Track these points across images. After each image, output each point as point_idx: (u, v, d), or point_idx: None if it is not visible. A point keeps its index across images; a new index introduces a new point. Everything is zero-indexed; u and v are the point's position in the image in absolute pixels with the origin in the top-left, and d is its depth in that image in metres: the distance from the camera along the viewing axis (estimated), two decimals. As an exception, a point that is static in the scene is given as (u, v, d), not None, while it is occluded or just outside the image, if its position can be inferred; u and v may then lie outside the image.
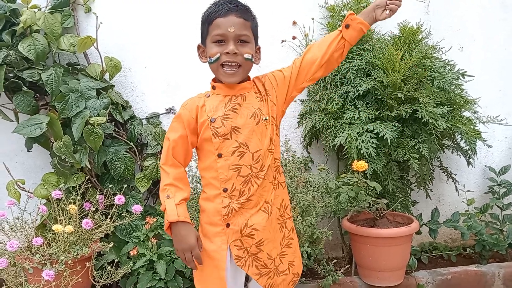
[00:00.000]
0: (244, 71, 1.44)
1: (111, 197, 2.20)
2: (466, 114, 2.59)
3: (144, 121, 2.53)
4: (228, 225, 1.43)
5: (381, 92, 2.40)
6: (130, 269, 2.07)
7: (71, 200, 2.08)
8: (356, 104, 2.43)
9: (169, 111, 2.59)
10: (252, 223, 1.43)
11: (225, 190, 1.42)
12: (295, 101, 2.75)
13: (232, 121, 1.42)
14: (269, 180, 1.47)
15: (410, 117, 2.38)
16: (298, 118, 2.73)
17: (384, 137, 2.25)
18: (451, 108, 2.43)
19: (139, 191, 2.34)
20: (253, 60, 1.45)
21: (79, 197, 2.11)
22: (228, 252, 1.44)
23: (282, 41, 2.71)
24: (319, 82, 2.66)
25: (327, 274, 2.33)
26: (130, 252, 2.13)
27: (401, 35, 2.54)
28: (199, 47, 1.51)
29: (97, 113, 2.23)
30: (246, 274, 1.51)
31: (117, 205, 2.14)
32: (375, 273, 2.33)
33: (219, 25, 1.39)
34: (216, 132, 1.42)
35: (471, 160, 2.68)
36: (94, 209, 2.16)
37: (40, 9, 2.33)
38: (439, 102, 2.40)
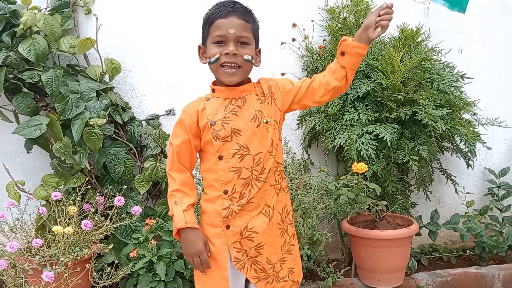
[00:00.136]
0: (244, 72, 1.43)
1: (110, 199, 2.20)
2: (466, 116, 2.59)
3: (144, 123, 2.53)
4: (228, 227, 1.43)
5: (380, 94, 2.40)
6: (130, 270, 2.07)
7: (71, 202, 2.08)
8: (356, 106, 2.44)
9: (169, 112, 2.59)
10: (252, 225, 1.43)
11: (225, 192, 1.42)
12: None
13: (232, 123, 1.42)
14: (270, 183, 1.47)
15: (409, 119, 2.38)
16: (297, 120, 2.73)
17: (384, 139, 2.25)
18: (451, 110, 2.43)
19: (139, 192, 2.34)
20: (253, 61, 1.45)
21: (78, 199, 2.10)
22: (228, 253, 1.44)
23: (282, 43, 2.72)
24: (319, 84, 2.66)
25: (327, 276, 2.33)
26: (130, 253, 2.13)
27: (400, 37, 2.55)
28: (199, 48, 1.51)
29: (97, 114, 2.23)
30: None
31: (116, 206, 2.14)
32: (375, 274, 2.33)
33: (220, 26, 1.39)
34: (217, 134, 1.42)
35: (470, 162, 2.68)
36: (93, 211, 2.16)
37: (40, 11, 2.33)
38: (438, 104, 2.40)
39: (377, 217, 2.44)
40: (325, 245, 2.37)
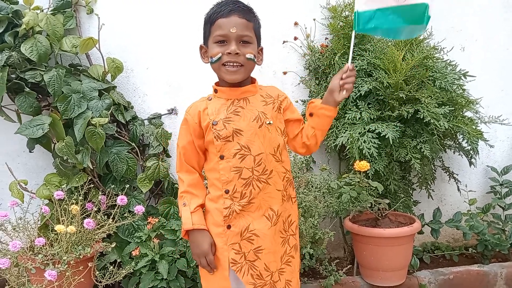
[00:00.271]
0: (246, 71, 1.43)
1: (113, 198, 2.20)
2: (468, 114, 2.59)
3: (146, 122, 2.53)
4: (229, 227, 1.43)
5: (382, 92, 2.40)
6: (132, 269, 2.08)
7: (73, 201, 2.08)
8: (358, 104, 2.43)
9: (171, 112, 2.59)
10: (253, 227, 1.43)
11: (226, 192, 1.43)
12: (297, 102, 2.76)
13: (234, 123, 1.43)
14: (276, 187, 1.46)
15: (411, 117, 2.38)
16: (299, 119, 2.73)
17: (386, 137, 2.25)
18: (453, 108, 2.43)
19: (141, 191, 2.35)
20: (256, 60, 1.45)
21: (81, 198, 2.11)
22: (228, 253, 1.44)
23: (284, 41, 2.72)
24: (321, 82, 2.66)
25: (329, 274, 2.33)
26: (132, 252, 2.14)
27: (402, 35, 2.54)
28: (201, 47, 1.51)
29: (99, 113, 2.23)
30: None
31: (119, 205, 2.14)
32: (377, 273, 2.33)
33: (221, 26, 1.39)
34: (218, 134, 1.42)
35: (473, 160, 2.68)
36: (96, 210, 2.16)
37: (42, 11, 2.34)
38: (440, 102, 2.40)
39: (379, 215, 2.44)
40: (327, 243, 2.37)
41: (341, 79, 1.43)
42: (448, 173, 2.80)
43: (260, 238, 1.43)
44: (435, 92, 2.39)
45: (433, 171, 2.70)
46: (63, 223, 2.03)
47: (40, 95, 2.29)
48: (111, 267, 2.08)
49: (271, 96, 1.51)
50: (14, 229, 2.06)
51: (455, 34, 2.95)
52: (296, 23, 2.73)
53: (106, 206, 2.21)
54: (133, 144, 2.38)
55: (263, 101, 1.48)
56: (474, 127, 2.46)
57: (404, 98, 2.35)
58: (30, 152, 2.32)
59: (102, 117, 2.22)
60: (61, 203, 2.10)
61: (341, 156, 2.70)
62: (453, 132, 2.49)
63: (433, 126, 2.33)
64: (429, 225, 2.72)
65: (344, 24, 2.61)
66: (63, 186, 2.19)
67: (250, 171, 1.42)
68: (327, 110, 1.47)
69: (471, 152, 2.60)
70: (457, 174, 2.82)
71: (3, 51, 2.15)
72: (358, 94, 2.40)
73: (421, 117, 2.31)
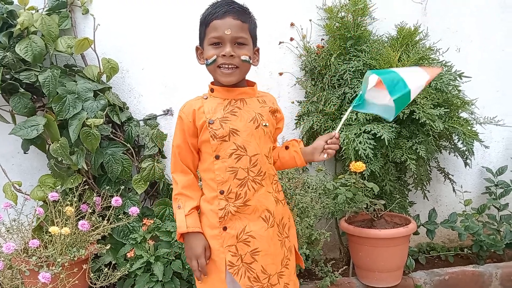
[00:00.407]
0: (241, 72, 1.43)
1: (108, 199, 2.19)
2: (463, 115, 2.59)
3: (141, 123, 2.53)
4: (225, 229, 1.42)
5: (378, 93, 2.40)
6: (127, 271, 2.07)
7: (68, 202, 2.07)
8: (354, 105, 2.43)
9: (167, 112, 2.58)
10: (249, 229, 1.42)
11: (221, 192, 1.41)
12: (293, 103, 2.75)
13: (231, 123, 1.42)
14: (267, 190, 1.46)
15: (407, 118, 2.38)
16: (296, 120, 2.73)
17: (382, 138, 2.25)
18: (448, 109, 2.43)
19: (136, 192, 2.34)
20: (251, 61, 1.44)
21: (76, 199, 2.10)
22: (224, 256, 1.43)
23: (280, 42, 2.72)
24: (317, 83, 2.66)
25: (325, 275, 2.33)
26: (127, 254, 2.13)
27: (398, 36, 2.55)
28: (197, 48, 1.50)
29: (94, 114, 2.22)
30: None
31: (114, 207, 2.13)
32: (372, 274, 2.33)
33: (216, 28, 1.38)
34: (215, 134, 1.41)
35: (468, 161, 2.68)
36: (91, 211, 2.15)
37: (37, 11, 2.33)
38: (436, 103, 2.40)
39: (375, 216, 2.44)
40: (323, 245, 2.37)
41: (327, 143, 1.47)
42: (443, 174, 2.80)
43: (257, 240, 1.42)
44: (431, 93, 2.39)
45: (429, 172, 2.71)
46: (57, 225, 2.02)
47: (34, 96, 2.28)
48: (106, 269, 2.07)
49: (267, 102, 1.52)
50: (8, 231, 2.05)
51: (451, 35, 2.96)
52: (292, 24, 2.73)
53: (101, 207, 2.21)
54: (128, 145, 2.37)
55: (259, 104, 1.49)
56: (469, 128, 2.47)
57: (400, 99, 2.35)
58: (24, 153, 2.30)
59: (97, 118, 2.21)
60: (56, 204, 2.09)
61: (337, 157, 2.70)
62: (448, 133, 2.50)
63: (429, 127, 2.34)
64: (425, 226, 2.73)
65: (340, 25, 2.60)
66: (57, 188, 2.18)
67: (245, 172, 1.42)
68: (298, 159, 1.54)
69: (466, 153, 2.61)
70: (452, 175, 2.83)
71: (-3, 52, 2.14)
72: (354, 95, 2.40)
73: (417, 118, 2.31)
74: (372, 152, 2.27)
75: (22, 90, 2.19)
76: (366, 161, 2.31)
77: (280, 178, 2.29)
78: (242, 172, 1.41)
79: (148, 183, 2.36)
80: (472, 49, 3.03)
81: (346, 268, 2.53)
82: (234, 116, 1.43)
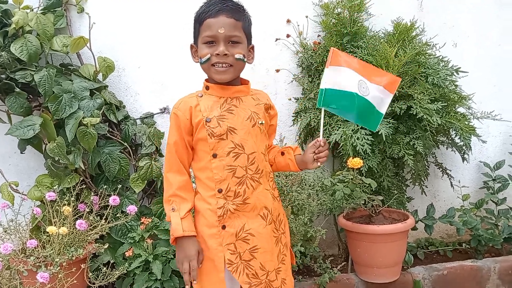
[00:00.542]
0: (235, 70, 1.43)
1: (105, 198, 2.19)
2: (461, 110, 2.60)
3: (138, 121, 2.52)
4: (224, 227, 1.41)
5: (375, 89, 2.40)
6: (126, 270, 2.06)
7: (65, 202, 2.07)
8: (351, 101, 2.43)
9: (163, 110, 2.58)
10: (248, 227, 1.42)
11: (220, 191, 1.41)
12: (290, 100, 2.75)
13: (228, 121, 1.42)
14: (265, 187, 1.46)
15: (404, 114, 2.38)
16: (293, 116, 2.73)
17: (379, 134, 2.25)
18: (446, 104, 2.43)
19: (134, 191, 2.33)
20: (245, 59, 1.44)
21: (73, 199, 2.09)
22: (223, 255, 1.42)
23: (277, 39, 2.71)
24: (314, 80, 2.66)
25: (324, 272, 2.33)
26: (126, 253, 2.12)
27: (395, 32, 2.55)
28: (191, 47, 1.50)
29: (90, 113, 2.22)
30: None
31: (111, 206, 2.12)
32: (371, 269, 2.33)
33: (209, 26, 1.38)
34: (212, 132, 1.41)
35: (466, 155, 2.69)
36: (88, 210, 2.15)
37: (32, 10, 2.31)
38: (433, 98, 2.40)
39: (373, 212, 2.44)
40: (322, 241, 2.37)
41: (315, 153, 1.47)
42: (441, 169, 2.80)
43: (256, 237, 1.43)
44: (428, 88, 2.39)
45: (426, 167, 2.71)
46: (55, 225, 2.02)
47: (30, 95, 2.27)
48: (104, 269, 2.06)
49: (261, 99, 1.52)
50: (5, 231, 2.04)
51: (447, 30, 2.96)
52: (288, 21, 2.72)
53: (99, 206, 2.20)
54: (125, 144, 2.36)
55: (254, 102, 1.49)
56: (466, 122, 2.47)
57: (397, 94, 2.35)
58: (21, 153, 2.29)
59: (93, 117, 2.20)
60: (53, 204, 2.08)
61: (335, 153, 2.70)
62: (446, 128, 2.50)
63: (426, 122, 2.34)
64: (423, 221, 2.73)
65: (336, 21, 2.60)
66: (55, 187, 2.17)
67: (243, 170, 1.42)
68: (293, 167, 1.55)
69: (464, 148, 2.61)
70: (450, 170, 2.83)
71: (-8, 51, 2.13)
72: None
73: (414, 113, 2.31)
74: (370, 148, 2.27)
75: (17, 89, 2.18)
76: (363, 157, 2.31)
77: (277, 175, 2.28)
78: (240, 170, 1.41)
79: (146, 181, 2.35)
80: (468, 44, 3.03)
81: (345, 264, 2.53)
82: (231, 114, 1.42)
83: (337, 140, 2.34)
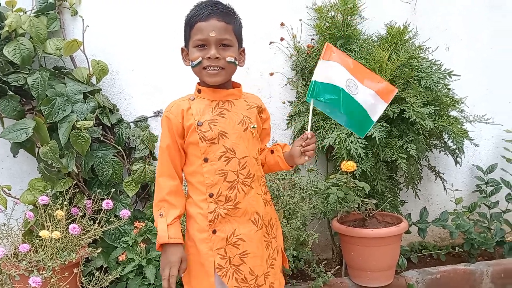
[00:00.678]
0: (227, 73, 1.43)
1: (99, 202, 2.18)
2: (453, 113, 2.61)
3: (132, 125, 2.51)
4: (214, 232, 1.41)
5: (368, 92, 2.41)
6: (119, 274, 2.05)
7: (58, 206, 2.06)
8: (344, 105, 2.44)
9: (157, 114, 2.57)
10: (239, 232, 1.42)
11: (211, 195, 1.41)
12: (284, 103, 2.75)
13: (220, 125, 1.41)
14: (257, 191, 1.46)
15: (397, 117, 2.39)
16: (287, 120, 2.73)
17: (373, 137, 2.26)
18: (438, 108, 2.45)
19: (128, 195, 2.32)
20: (237, 62, 1.44)
21: (66, 203, 2.08)
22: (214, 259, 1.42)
23: (270, 42, 2.71)
24: (307, 83, 2.66)
25: (318, 276, 2.33)
26: (119, 257, 2.12)
27: (388, 35, 2.56)
28: (182, 50, 1.50)
29: (84, 117, 2.21)
30: None
31: (105, 210, 2.12)
32: (365, 273, 2.34)
33: (200, 30, 1.38)
34: (204, 136, 1.40)
35: (458, 159, 2.70)
36: (81, 214, 2.14)
37: (25, 13, 2.30)
38: (426, 102, 2.42)
39: (367, 215, 2.45)
40: (316, 245, 2.37)
41: (302, 146, 1.46)
42: (434, 173, 2.82)
43: (246, 242, 1.42)
44: (421, 91, 2.41)
45: (420, 170, 2.72)
46: (47, 229, 2.01)
47: (23, 99, 2.26)
48: (97, 273, 2.05)
49: (254, 102, 1.52)
50: (-3, 235, 2.03)
51: (440, 33, 2.98)
52: (282, 24, 2.73)
53: (92, 210, 2.19)
54: (119, 147, 2.36)
55: (247, 105, 1.49)
56: (459, 126, 2.48)
57: (390, 98, 2.36)
58: (14, 156, 2.28)
59: (87, 120, 2.20)
60: (46, 208, 2.07)
61: (329, 157, 2.71)
62: (438, 131, 2.51)
63: (419, 125, 2.35)
64: (416, 224, 2.74)
65: (330, 24, 2.61)
66: (47, 191, 2.16)
67: (235, 174, 1.42)
68: (282, 164, 1.54)
69: (456, 151, 2.63)
70: (443, 174, 2.85)
71: (-15, 55, 2.12)
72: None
73: (407, 117, 2.32)
74: (364, 151, 2.27)
75: (10, 93, 2.17)
76: (357, 161, 2.32)
77: (269, 179, 2.28)
78: (231, 175, 1.41)
79: (139, 185, 2.34)
80: (461, 47, 3.05)
81: (339, 268, 2.53)
82: (223, 118, 1.42)
83: (331, 143, 2.34)
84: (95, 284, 2.04)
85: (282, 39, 2.73)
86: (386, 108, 2.32)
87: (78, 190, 2.25)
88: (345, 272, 2.51)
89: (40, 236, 1.93)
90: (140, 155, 2.37)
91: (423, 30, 2.76)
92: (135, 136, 2.40)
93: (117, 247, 2.22)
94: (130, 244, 2.15)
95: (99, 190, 2.26)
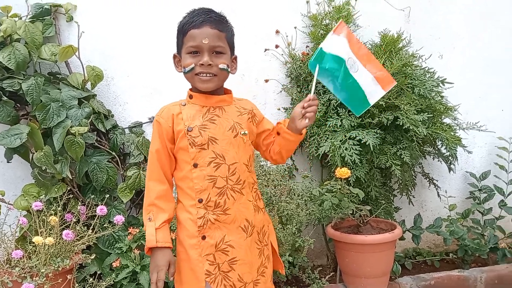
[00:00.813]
0: (219, 80, 1.44)
1: (93, 208, 2.17)
2: (447, 120, 2.63)
3: (126, 130, 2.51)
4: (204, 238, 1.41)
5: (363, 99, 2.42)
6: (113, 281, 2.04)
7: (52, 212, 2.05)
8: (339, 111, 2.45)
9: (152, 120, 2.57)
10: (228, 239, 1.42)
11: (200, 201, 1.41)
12: (279, 109, 2.76)
13: (210, 131, 1.42)
14: (248, 198, 1.46)
15: (391, 124, 2.41)
16: (281, 126, 2.74)
17: (367, 144, 2.27)
18: (432, 115, 2.47)
19: (122, 201, 2.32)
20: (229, 70, 1.46)
21: (60, 208, 2.07)
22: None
23: (266, 49, 2.73)
24: (302, 90, 2.68)
25: (312, 282, 2.33)
26: (113, 263, 2.11)
27: (382, 43, 2.58)
28: (174, 56, 1.51)
29: (78, 122, 2.21)
30: None
31: (99, 216, 2.11)
32: (359, 280, 2.34)
33: (194, 37, 1.39)
34: (193, 141, 1.41)
35: (452, 166, 2.72)
36: (75, 220, 2.13)
37: (20, 18, 2.31)
38: (419, 109, 2.44)
39: (361, 222, 2.45)
40: (310, 251, 2.38)
41: (303, 108, 1.46)
42: (428, 179, 2.83)
43: (235, 249, 1.42)
44: (414, 99, 2.43)
45: (413, 177, 2.73)
46: (41, 235, 2.00)
47: (18, 104, 2.26)
48: (91, 279, 2.04)
49: (245, 108, 1.52)
50: (-10, 241, 2.01)
51: (433, 41, 3.01)
52: (277, 31, 2.75)
53: (86, 216, 2.18)
54: (113, 153, 2.35)
55: (237, 112, 1.49)
56: (452, 133, 2.50)
57: (384, 105, 2.38)
58: (8, 162, 2.27)
59: (81, 126, 2.20)
60: (40, 214, 2.06)
61: (323, 163, 2.72)
62: (432, 138, 2.53)
63: (413, 132, 2.36)
64: (410, 231, 2.75)
65: (324, 32, 2.63)
66: (41, 197, 2.16)
67: (224, 180, 1.42)
68: (290, 135, 1.51)
69: (450, 158, 2.64)
70: (437, 180, 2.86)
71: (-21, 60, 2.11)
72: (339, 101, 2.42)
73: (401, 124, 2.34)
74: (358, 158, 2.28)
75: (5, 98, 2.17)
76: (351, 167, 2.33)
77: (266, 185, 2.29)
78: (221, 181, 1.41)
79: (134, 191, 2.34)
80: (454, 55, 3.08)
81: (333, 275, 2.53)
82: (213, 124, 1.43)
83: (325, 151, 2.35)
84: (89, 290, 2.03)
85: (277, 46, 2.75)
86: (380, 115, 2.38)
87: (72, 196, 2.25)
88: (339, 278, 2.51)
89: (33, 242, 1.92)
90: (134, 161, 2.36)
91: (416, 38, 2.78)
92: (129, 142, 2.40)
93: (111, 253, 2.21)
94: (124, 250, 2.15)
95: (93, 196, 2.26)
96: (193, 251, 1.41)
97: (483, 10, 3.13)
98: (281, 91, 2.77)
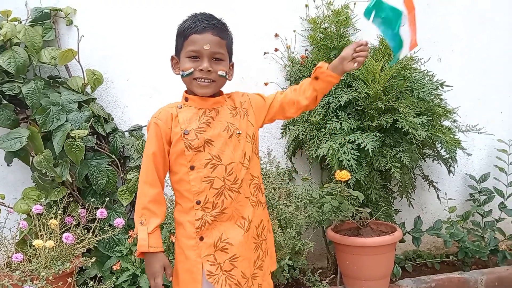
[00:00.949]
0: (217, 86, 1.45)
1: (93, 211, 2.17)
2: (446, 123, 2.64)
3: (126, 134, 2.51)
4: (201, 239, 1.41)
5: (362, 102, 2.43)
6: (113, 284, 2.04)
7: (52, 215, 2.05)
8: (338, 114, 2.46)
9: (152, 123, 2.57)
10: (226, 236, 1.42)
11: (198, 203, 1.41)
12: (278, 112, 2.77)
13: (205, 134, 1.43)
14: (245, 195, 1.46)
15: (391, 127, 2.41)
16: (281, 129, 2.75)
17: (366, 148, 2.27)
18: (431, 118, 2.47)
19: (122, 204, 2.32)
20: (227, 76, 1.47)
21: (60, 212, 2.07)
22: (202, 266, 1.41)
23: (265, 53, 2.74)
24: (302, 93, 2.68)
25: (313, 285, 2.33)
26: (113, 266, 2.11)
27: (380, 46, 2.59)
28: (172, 58, 1.52)
29: (78, 126, 2.21)
30: None
31: (99, 219, 2.11)
32: (359, 282, 2.34)
33: (195, 42, 1.40)
34: (190, 144, 1.41)
35: (451, 168, 2.72)
36: (75, 224, 2.13)
37: (20, 22, 2.31)
38: (419, 112, 2.44)
39: (361, 224, 2.45)
40: (311, 254, 2.37)
41: (355, 51, 1.43)
42: (427, 182, 2.83)
43: (234, 246, 1.43)
44: (413, 102, 2.43)
45: (413, 179, 2.74)
46: (41, 238, 2.00)
47: (18, 108, 2.26)
48: (92, 282, 2.04)
49: (235, 107, 1.51)
50: (-10, 245, 2.01)
51: (432, 44, 3.02)
52: (276, 35, 2.76)
53: (86, 220, 2.18)
54: (113, 156, 2.36)
55: (230, 113, 1.49)
56: (452, 136, 2.50)
57: (383, 108, 2.38)
58: (8, 165, 2.27)
59: (81, 129, 2.20)
60: (40, 217, 2.06)
61: (323, 166, 2.72)
62: (431, 141, 2.53)
63: (412, 135, 2.37)
64: (410, 233, 2.75)
65: (323, 35, 2.64)
66: (41, 200, 2.15)
67: (221, 181, 1.42)
68: (333, 78, 1.47)
69: (449, 160, 2.65)
70: (436, 183, 2.87)
71: (-20, 64, 2.12)
72: (338, 104, 2.42)
73: (400, 127, 2.34)
74: (356, 162, 2.29)
75: (5, 102, 2.17)
76: (351, 170, 2.33)
77: (265, 188, 2.29)
78: (218, 182, 1.42)
79: (134, 194, 2.34)
80: (453, 58, 3.09)
81: (334, 277, 2.53)
82: (208, 126, 1.44)
83: (324, 154, 2.36)
84: (89, 294, 2.03)
85: (276, 49, 2.76)
86: (380, 118, 2.39)
87: (72, 199, 2.25)
88: (340, 281, 2.51)
89: (33, 246, 1.92)
90: (134, 164, 2.37)
91: (415, 41, 2.79)
92: (129, 145, 2.41)
93: (111, 256, 2.21)
94: (125, 254, 2.15)
95: (93, 199, 2.26)
96: (191, 252, 1.42)
97: (481, 11, 3.14)
98: (280, 94, 2.77)
